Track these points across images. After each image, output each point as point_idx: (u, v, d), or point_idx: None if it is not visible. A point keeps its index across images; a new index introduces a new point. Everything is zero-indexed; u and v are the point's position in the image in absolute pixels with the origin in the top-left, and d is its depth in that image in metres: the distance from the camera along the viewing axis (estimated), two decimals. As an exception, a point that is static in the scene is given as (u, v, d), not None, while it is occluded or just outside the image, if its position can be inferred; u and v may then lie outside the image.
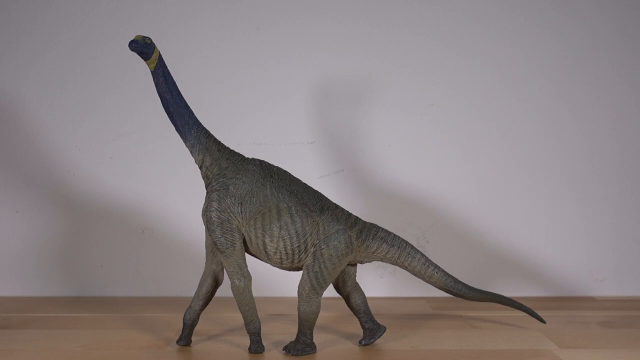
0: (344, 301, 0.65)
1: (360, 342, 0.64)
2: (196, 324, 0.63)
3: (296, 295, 0.60)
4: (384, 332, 0.64)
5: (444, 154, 0.88)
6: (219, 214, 0.58)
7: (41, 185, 0.87)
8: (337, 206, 0.60)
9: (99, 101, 0.87)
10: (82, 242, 0.87)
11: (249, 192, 0.58)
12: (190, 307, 0.63)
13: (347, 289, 0.63)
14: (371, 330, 0.64)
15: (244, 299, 0.59)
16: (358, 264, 0.63)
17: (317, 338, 0.63)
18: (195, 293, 0.63)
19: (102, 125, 0.87)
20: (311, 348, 0.60)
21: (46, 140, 0.87)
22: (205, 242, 0.62)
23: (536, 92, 0.88)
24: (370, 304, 0.65)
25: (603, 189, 0.88)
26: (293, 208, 0.57)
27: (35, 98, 0.87)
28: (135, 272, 0.88)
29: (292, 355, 0.60)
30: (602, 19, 0.87)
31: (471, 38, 0.87)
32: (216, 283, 0.62)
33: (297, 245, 0.57)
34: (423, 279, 0.63)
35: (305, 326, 0.60)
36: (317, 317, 0.60)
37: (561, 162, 0.88)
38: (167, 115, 0.59)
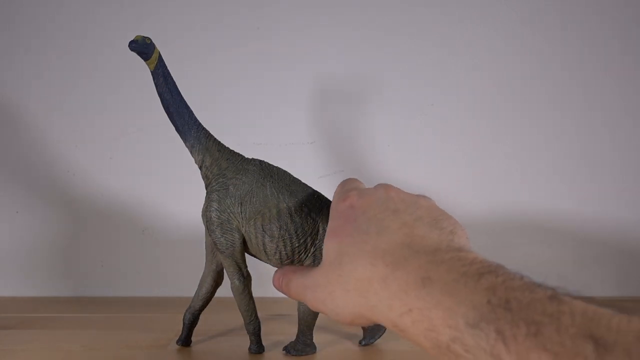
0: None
1: (360, 342, 0.64)
2: (196, 325, 0.63)
3: None
4: (384, 332, 0.64)
5: (444, 154, 0.88)
6: (218, 214, 0.57)
7: (41, 185, 0.87)
8: None
9: (99, 101, 0.87)
10: (82, 242, 0.87)
11: (248, 192, 0.57)
12: (190, 307, 0.63)
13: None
14: (371, 330, 0.64)
15: (244, 299, 0.59)
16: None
17: (317, 338, 0.63)
18: (195, 293, 0.63)
19: (102, 125, 0.87)
20: (311, 348, 0.61)
21: (46, 140, 0.87)
22: (205, 243, 0.62)
23: (537, 93, 0.88)
24: (370, 304, 0.65)
25: (602, 189, 0.88)
26: (293, 208, 0.57)
27: (35, 98, 0.86)
28: (135, 272, 0.88)
29: (292, 355, 0.60)
30: (601, 19, 0.87)
31: (471, 38, 0.87)
32: (216, 283, 0.62)
33: (297, 245, 0.57)
34: None
35: (305, 326, 0.60)
36: (317, 318, 0.60)
37: (562, 163, 0.88)
38: (167, 115, 0.58)
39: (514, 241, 0.88)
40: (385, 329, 0.64)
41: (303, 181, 0.61)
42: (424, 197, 0.43)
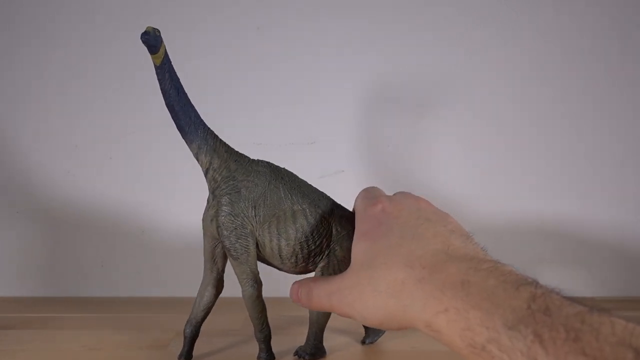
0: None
1: (363, 342, 0.64)
2: (197, 337, 0.60)
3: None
4: (385, 331, 0.64)
5: (444, 154, 0.88)
6: (232, 218, 0.55)
7: (41, 185, 0.87)
8: (343, 207, 0.59)
9: (99, 101, 0.87)
10: (82, 242, 0.87)
11: (262, 195, 0.55)
12: (190, 319, 0.59)
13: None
14: (374, 329, 0.64)
15: (257, 307, 0.57)
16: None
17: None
18: (196, 304, 0.59)
19: (102, 125, 0.87)
20: (322, 352, 0.60)
21: (46, 140, 0.87)
22: (204, 249, 0.59)
23: (539, 92, 0.88)
24: (370, 304, 0.65)
25: (603, 189, 0.88)
26: (307, 210, 0.56)
27: (35, 98, 0.86)
28: (135, 272, 0.88)
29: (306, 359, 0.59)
30: (601, 19, 0.87)
31: (472, 38, 0.87)
32: (217, 292, 0.59)
33: (313, 247, 0.56)
34: None
35: (318, 329, 0.59)
36: (328, 319, 0.59)
37: (563, 163, 0.88)
38: (171, 114, 0.56)
39: (515, 240, 0.88)
40: (386, 328, 0.65)
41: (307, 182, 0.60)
42: (448, 215, 0.44)
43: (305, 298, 0.45)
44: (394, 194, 0.47)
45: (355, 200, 0.51)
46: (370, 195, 0.47)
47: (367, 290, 0.39)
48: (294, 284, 0.48)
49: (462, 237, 0.41)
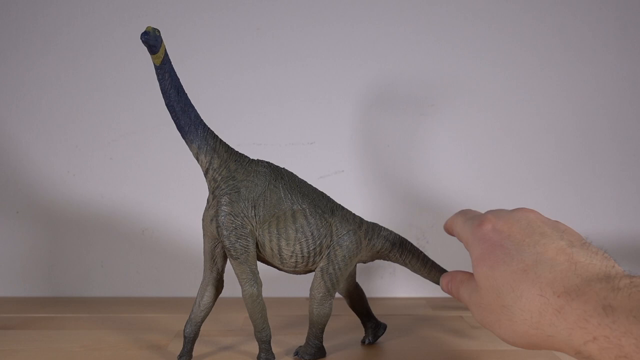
0: (344, 301, 0.65)
1: (363, 341, 0.64)
2: (197, 337, 0.59)
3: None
4: (385, 330, 0.65)
5: (444, 154, 0.88)
6: (232, 218, 0.55)
7: (41, 186, 0.87)
8: (342, 207, 0.60)
9: (99, 101, 0.87)
10: (82, 242, 0.87)
11: (262, 195, 0.56)
12: (190, 319, 0.59)
13: (347, 289, 0.63)
14: (373, 328, 0.64)
15: (257, 307, 0.56)
16: (357, 264, 0.63)
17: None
18: (196, 303, 0.59)
19: (102, 125, 0.87)
20: (322, 352, 0.59)
21: (46, 140, 0.87)
22: (204, 249, 0.59)
23: (538, 92, 0.88)
24: (370, 304, 0.65)
25: (604, 188, 0.89)
26: (307, 210, 0.56)
27: (35, 98, 0.86)
28: (135, 272, 0.88)
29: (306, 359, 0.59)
30: (602, 18, 0.87)
31: (471, 37, 0.87)
32: (217, 292, 0.59)
33: (312, 247, 0.56)
34: (422, 275, 0.64)
35: (319, 329, 0.58)
36: (328, 319, 0.59)
37: (562, 162, 0.88)
38: (171, 114, 0.55)
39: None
40: (386, 326, 0.65)
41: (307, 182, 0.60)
42: (558, 222, 0.43)
43: (456, 294, 0.47)
44: (497, 210, 0.45)
45: (455, 226, 0.50)
46: (470, 215, 0.46)
47: (503, 319, 0.38)
48: (445, 276, 0.50)
49: (583, 248, 0.39)
